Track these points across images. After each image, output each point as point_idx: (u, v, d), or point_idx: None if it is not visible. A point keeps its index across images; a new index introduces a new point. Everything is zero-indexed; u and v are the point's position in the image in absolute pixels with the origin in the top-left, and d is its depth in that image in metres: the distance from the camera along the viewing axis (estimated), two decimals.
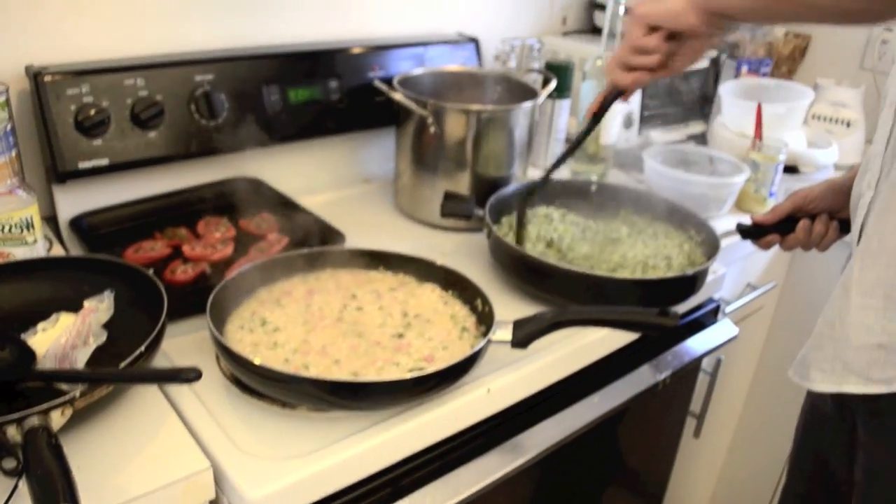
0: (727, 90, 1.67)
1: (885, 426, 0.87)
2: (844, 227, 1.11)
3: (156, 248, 1.13)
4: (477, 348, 0.85)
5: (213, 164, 1.29)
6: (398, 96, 1.26)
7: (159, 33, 1.24)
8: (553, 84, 1.40)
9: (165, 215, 1.22)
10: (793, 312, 1.78)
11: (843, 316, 0.91)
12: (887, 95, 0.93)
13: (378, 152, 1.50)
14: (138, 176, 1.22)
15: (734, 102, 1.63)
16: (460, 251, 1.25)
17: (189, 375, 0.68)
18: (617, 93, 1.06)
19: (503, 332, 0.89)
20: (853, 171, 1.07)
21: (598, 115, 1.10)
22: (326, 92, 1.35)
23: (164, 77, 1.18)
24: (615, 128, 1.50)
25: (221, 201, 1.26)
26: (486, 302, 0.96)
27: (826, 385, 0.93)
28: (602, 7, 1.85)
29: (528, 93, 1.38)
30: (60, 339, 0.86)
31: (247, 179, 1.32)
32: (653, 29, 0.96)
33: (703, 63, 1.88)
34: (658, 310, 0.88)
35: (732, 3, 0.90)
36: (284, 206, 1.27)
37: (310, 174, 1.42)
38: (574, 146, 1.14)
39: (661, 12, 0.93)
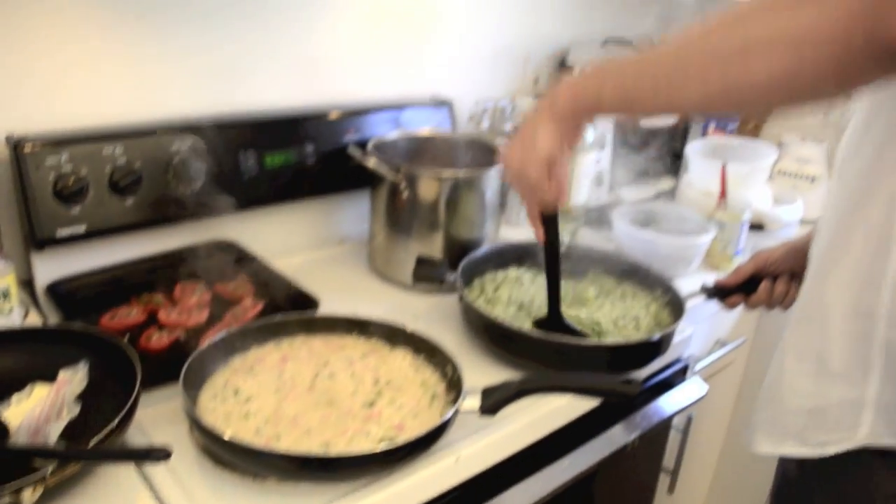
0: (693, 150, 1.72)
1: (840, 492, 0.90)
2: None
3: (131, 314, 1.14)
4: (445, 418, 0.87)
5: (190, 229, 1.31)
6: (371, 162, 1.30)
7: (138, 101, 1.26)
8: None
9: (142, 280, 1.24)
10: (763, 367, 1.80)
11: (780, 379, 0.94)
12: (835, 164, 0.97)
13: (353, 213, 1.53)
14: (116, 241, 1.23)
15: (700, 162, 1.69)
16: (434, 313, 1.27)
17: (159, 455, 0.70)
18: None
19: (472, 400, 0.91)
20: (812, 233, 1.11)
21: (551, 240, 1.07)
22: (302, 156, 1.38)
23: (142, 145, 1.21)
24: (584, 187, 1.55)
25: (198, 265, 1.28)
26: (455, 369, 0.98)
27: (767, 447, 0.96)
28: (572, 69, 1.91)
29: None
30: (34, 410, 0.87)
31: (223, 243, 1.34)
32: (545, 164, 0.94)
33: (671, 121, 1.94)
34: (620, 378, 0.90)
35: (606, 102, 0.85)
36: (260, 269, 1.29)
37: (286, 236, 1.45)
38: (554, 277, 1.12)
39: (545, 150, 0.91)
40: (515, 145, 0.95)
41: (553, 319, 1.14)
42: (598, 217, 1.68)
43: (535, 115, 0.93)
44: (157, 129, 1.23)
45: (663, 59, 0.77)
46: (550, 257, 1.09)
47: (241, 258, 1.32)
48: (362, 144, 1.40)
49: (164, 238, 1.29)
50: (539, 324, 1.15)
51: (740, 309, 1.24)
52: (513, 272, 1.30)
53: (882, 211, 0.80)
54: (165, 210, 1.24)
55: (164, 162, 1.23)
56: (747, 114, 0.95)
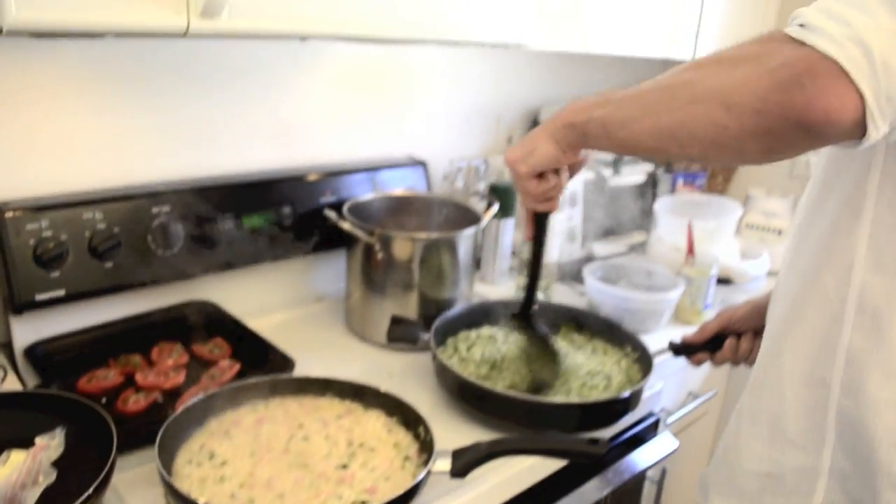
0: (661, 207, 1.77)
1: None
2: None
3: (109, 376, 1.16)
4: (416, 481, 0.88)
5: (169, 290, 1.33)
6: (346, 225, 1.33)
7: (117, 167, 1.29)
8: (495, 208, 1.49)
9: (120, 342, 1.25)
10: None
11: (736, 441, 0.96)
12: (791, 227, 1.01)
13: (330, 271, 1.56)
14: (94, 304, 1.25)
15: (668, 219, 1.74)
16: (409, 372, 1.30)
17: None
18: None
19: (442, 463, 0.93)
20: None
21: (537, 237, 1.13)
22: (280, 218, 1.41)
23: (121, 210, 1.24)
24: (556, 245, 1.58)
25: (175, 326, 1.30)
26: (427, 430, 1.00)
27: None
28: None
29: (472, 216, 1.46)
30: (10, 476, 0.88)
31: (201, 303, 1.37)
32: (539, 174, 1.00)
33: (640, 177, 2.00)
34: (587, 438, 0.93)
35: (593, 136, 0.89)
36: (237, 330, 1.31)
37: (263, 296, 1.47)
38: (534, 272, 1.16)
39: (540, 160, 0.96)
40: (517, 148, 1.00)
41: (525, 314, 1.19)
42: (571, 272, 1.72)
43: (539, 127, 0.98)
44: (137, 193, 1.26)
45: (638, 94, 0.82)
46: (534, 254, 1.14)
47: (218, 319, 1.34)
48: (339, 205, 1.43)
49: (142, 299, 1.31)
50: (514, 317, 1.21)
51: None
52: (486, 331, 1.33)
53: (837, 282, 0.83)
54: (144, 273, 1.26)
55: (143, 226, 1.25)
56: (694, 160, 1.00)
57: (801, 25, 0.66)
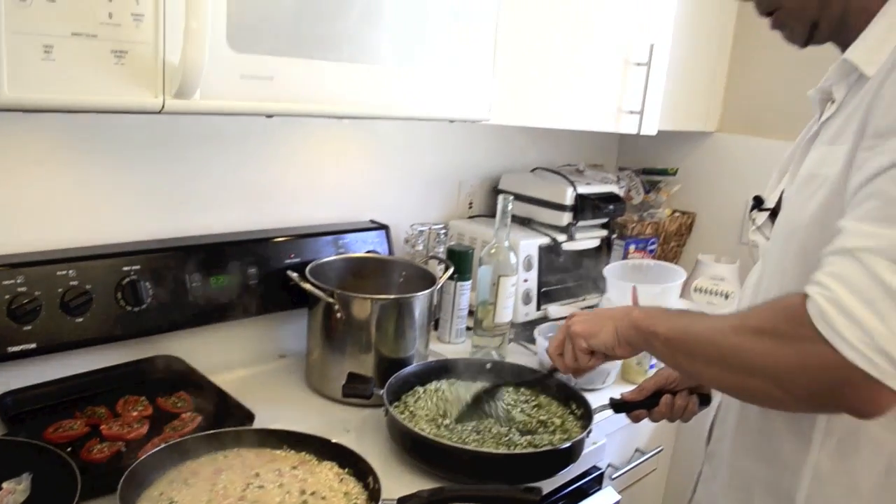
0: (609, 272, 1.87)
1: None
2: (704, 400, 1.27)
3: (75, 426, 1.21)
4: None
5: (136, 345, 1.39)
6: (308, 285, 1.41)
7: (91, 226, 1.37)
8: (450, 271, 1.58)
9: (87, 393, 1.31)
10: (682, 475, 1.91)
11: None
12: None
13: (294, 329, 1.63)
14: (64, 357, 1.31)
15: (614, 283, 1.83)
16: (365, 426, 1.36)
17: None
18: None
19: None
20: None
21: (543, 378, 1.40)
22: (246, 278, 1.49)
23: (93, 268, 1.31)
24: (509, 307, 1.67)
25: (141, 379, 1.37)
26: (376, 480, 1.06)
27: None
28: (503, 193, 2.08)
29: (430, 278, 1.55)
30: None
31: (167, 358, 1.43)
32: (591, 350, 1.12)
33: (595, 242, 2.10)
34: (523, 487, 1.00)
35: (654, 348, 1.00)
36: (200, 384, 1.37)
37: (228, 352, 1.54)
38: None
39: (599, 344, 1.08)
40: (586, 322, 1.11)
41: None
42: (525, 333, 1.81)
43: (612, 314, 1.08)
44: (109, 252, 1.34)
45: (699, 337, 0.91)
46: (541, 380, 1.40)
47: (182, 373, 1.41)
48: (304, 266, 1.51)
49: (110, 353, 1.37)
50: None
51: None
52: (433, 385, 1.40)
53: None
54: (113, 328, 1.33)
55: (113, 284, 1.32)
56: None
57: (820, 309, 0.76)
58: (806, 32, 0.98)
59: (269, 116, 1.25)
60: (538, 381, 1.43)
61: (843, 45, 0.96)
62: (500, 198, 1.63)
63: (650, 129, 1.85)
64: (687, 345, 0.92)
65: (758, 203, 1.15)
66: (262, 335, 1.60)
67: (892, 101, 0.79)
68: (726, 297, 2.14)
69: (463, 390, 1.39)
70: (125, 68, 0.95)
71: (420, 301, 1.45)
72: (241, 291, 1.48)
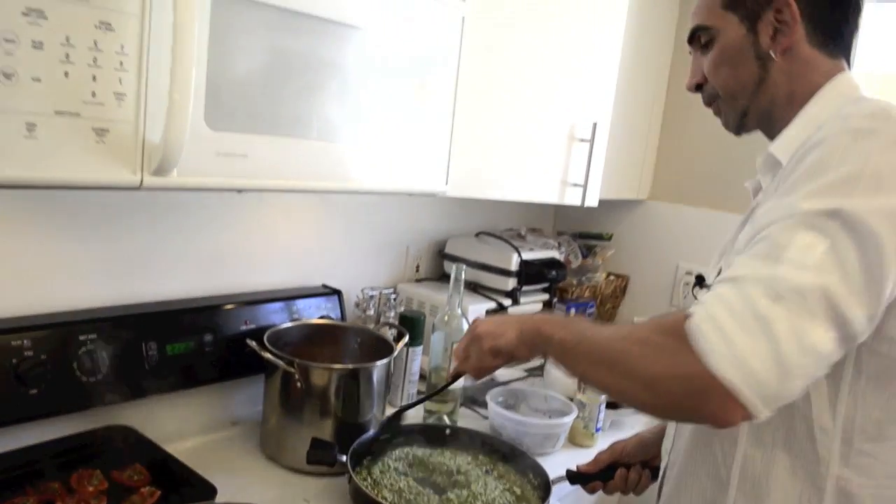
0: None
1: None
2: (656, 475, 1.32)
3: None
4: None
5: (90, 415, 1.36)
6: (267, 355, 1.42)
7: (45, 295, 1.35)
8: (406, 339, 1.61)
9: (40, 467, 1.27)
10: None
11: None
12: None
13: (246, 395, 1.62)
14: (16, 429, 1.27)
15: None
16: (324, 495, 1.36)
17: None
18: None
19: None
20: (659, 427, 1.31)
21: (447, 385, 1.37)
22: (202, 345, 1.48)
23: (49, 338, 1.28)
24: None
25: (96, 451, 1.33)
26: None
27: None
28: (449, 257, 2.14)
29: (384, 344, 1.58)
30: None
31: (121, 428, 1.40)
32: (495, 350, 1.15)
33: (538, 307, 2.17)
34: None
35: (551, 350, 1.05)
36: (157, 455, 1.35)
37: (180, 420, 1.52)
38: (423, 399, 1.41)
39: (503, 344, 1.12)
40: (490, 324, 1.16)
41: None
42: (474, 397, 1.84)
43: (516, 318, 1.13)
44: (65, 321, 1.32)
45: (593, 342, 0.96)
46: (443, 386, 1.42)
47: (137, 444, 1.38)
48: (258, 332, 1.52)
49: (63, 424, 1.34)
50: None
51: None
52: (396, 451, 1.42)
53: (724, 453, 1.01)
54: (69, 399, 1.30)
55: (69, 354, 1.30)
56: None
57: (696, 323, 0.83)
58: (738, 120, 1.12)
59: (240, 191, 1.27)
60: (500, 451, 1.47)
61: (769, 135, 1.09)
62: (454, 266, 1.68)
63: (592, 200, 1.94)
64: (579, 348, 0.97)
65: (699, 281, 1.24)
66: (214, 402, 1.59)
67: (794, 172, 0.89)
68: None
69: (425, 457, 1.41)
70: (106, 146, 0.96)
71: (378, 369, 1.47)
72: (196, 359, 1.47)
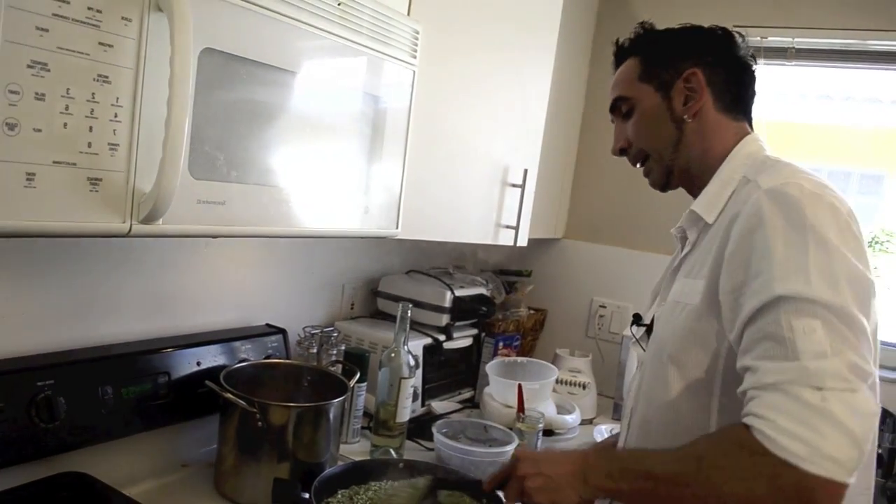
0: (491, 369, 2.04)
1: None
2: None
3: None
4: None
5: (45, 462, 1.34)
6: (228, 395, 1.44)
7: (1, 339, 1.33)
8: (357, 376, 1.66)
9: None
10: None
11: None
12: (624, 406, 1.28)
13: (196, 437, 1.63)
14: None
15: (497, 380, 2.00)
16: None
17: None
18: None
19: None
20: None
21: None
22: (156, 387, 1.48)
23: (5, 384, 1.26)
24: (408, 406, 1.77)
25: (50, 500, 1.31)
26: None
27: None
28: (383, 295, 2.20)
29: (333, 381, 1.63)
30: None
31: (75, 475, 1.38)
32: None
33: (469, 341, 2.26)
34: None
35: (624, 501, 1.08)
36: (114, 501, 1.34)
37: (133, 464, 1.50)
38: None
39: (556, 496, 1.08)
40: (541, 474, 1.11)
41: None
42: (416, 428, 1.91)
43: (570, 467, 1.09)
44: (21, 367, 1.30)
45: (670, 488, 1.00)
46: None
47: (92, 491, 1.36)
48: (211, 371, 1.54)
49: (16, 472, 1.31)
50: None
51: None
52: (353, 488, 1.46)
53: None
54: (24, 447, 1.28)
55: (26, 400, 1.28)
56: None
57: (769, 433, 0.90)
58: (664, 178, 1.26)
59: (215, 237, 1.30)
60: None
61: (691, 192, 1.24)
62: (400, 306, 1.75)
63: (523, 241, 2.06)
64: (657, 493, 1.01)
65: (636, 320, 1.36)
66: (165, 444, 1.58)
67: (736, 263, 1.02)
68: (584, 387, 2.36)
69: (381, 491, 1.46)
70: (98, 195, 0.99)
71: (335, 407, 1.52)
72: (150, 401, 1.47)
